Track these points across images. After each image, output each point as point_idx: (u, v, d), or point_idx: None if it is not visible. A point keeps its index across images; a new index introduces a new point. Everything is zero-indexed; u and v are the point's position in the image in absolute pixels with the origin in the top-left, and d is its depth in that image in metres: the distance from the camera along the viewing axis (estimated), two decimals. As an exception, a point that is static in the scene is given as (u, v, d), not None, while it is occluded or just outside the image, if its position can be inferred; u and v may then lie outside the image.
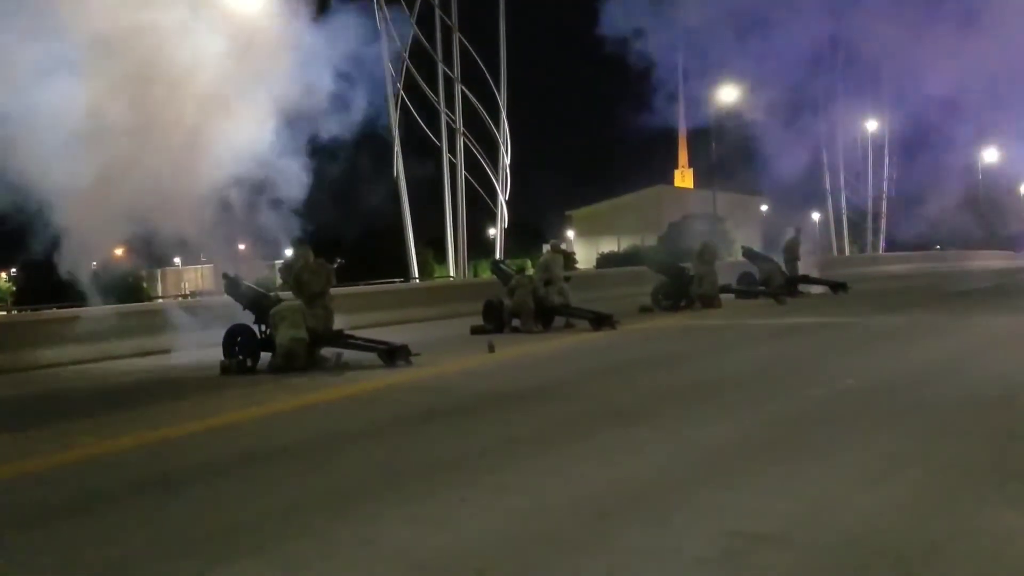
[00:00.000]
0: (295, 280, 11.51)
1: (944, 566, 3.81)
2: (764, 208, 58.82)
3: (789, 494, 4.80)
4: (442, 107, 31.00)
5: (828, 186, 47.62)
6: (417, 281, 31.20)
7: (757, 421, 6.79)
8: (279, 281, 11.93)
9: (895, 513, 4.44)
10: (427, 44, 31.25)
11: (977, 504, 4.54)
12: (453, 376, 10.33)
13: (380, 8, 28.64)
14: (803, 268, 22.92)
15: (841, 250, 47.26)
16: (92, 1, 12.91)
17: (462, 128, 30.85)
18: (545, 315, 15.10)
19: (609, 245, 45.17)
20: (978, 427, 6.32)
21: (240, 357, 11.18)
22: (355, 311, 15.10)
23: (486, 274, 26.15)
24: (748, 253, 23.06)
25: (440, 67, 31.47)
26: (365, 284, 24.60)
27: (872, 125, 47.73)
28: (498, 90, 31.47)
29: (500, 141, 31.44)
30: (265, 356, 11.26)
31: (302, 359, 10.85)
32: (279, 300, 11.63)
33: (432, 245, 37.63)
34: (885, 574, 3.75)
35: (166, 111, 13.13)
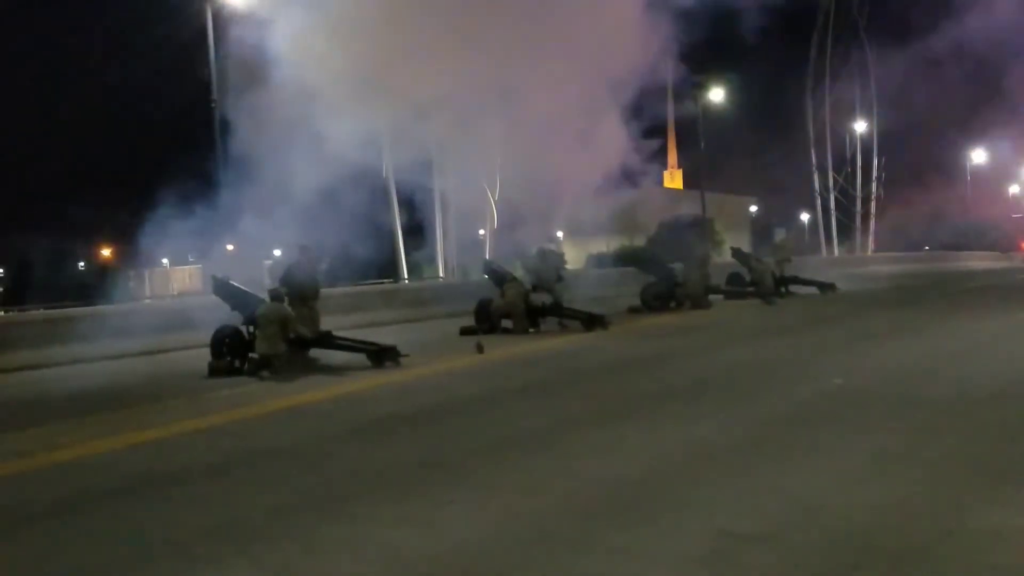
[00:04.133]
0: (287, 278, 11.44)
1: (933, 565, 3.79)
2: (753, 209, 58.95)
3: (778, 493, 4.80)
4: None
5: (817, 187, 47.73)
6: (407, 282, 31.13)
7: (746, 420, 6.79)
8: (268, 281, 11.83)
9: (884, 512, 4.43)
10: None
11: (966, 503, 4.54)
12: (441, 377, 10.30)
13: None
14: (797, 269, 23.00)
15: (830, 251, 47.38)
16: None
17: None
18: (535, 315, 15.08)
19: (598, 246, 45.13)
20: (967, 426, 6.33)
21: (228, 358, 11.11)
22: (343, 312, 15.06)
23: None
24: (737, 254, 23.09)
25: None
26: (353, 284, 24.51)
27: (861, 126, 47.87)
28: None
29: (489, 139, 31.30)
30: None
31: (276, 368, 10.67)
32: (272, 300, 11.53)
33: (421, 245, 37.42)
34: (874, 573, 3.74)
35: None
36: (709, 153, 37.25)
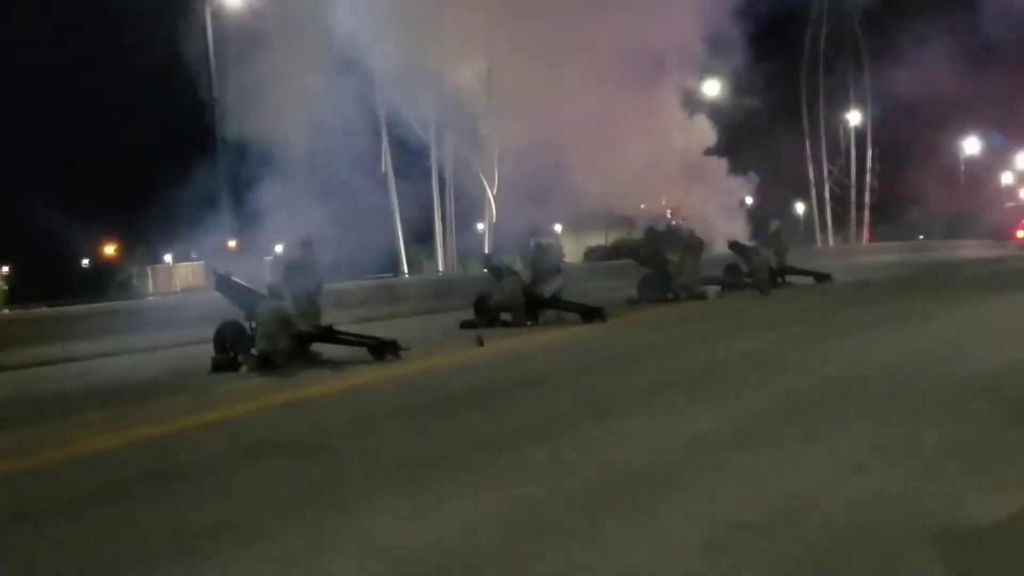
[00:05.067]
0: (289, 273, 11.54)
1: (930, 554, 3.80)
2: (749, 200, 58.75)
3: (775, 483, 4.84)
4: (431, 99, 30.69)
5: (812, 177, 47.69)
6: (407, 276, 31.14)
7: (743, 411, 6.81)
8: (270, 277, 11.91)
9: (881, 501, 4.43)
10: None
11: (965, 490, 4.54)
12: (442, 370, 10.34)
13: None
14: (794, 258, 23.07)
15: (825, 241, 47.39)
16: None
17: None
18: (534, 308, 15.17)
19: (596, 238, 45.18)
20: (963, 414, 6.32)
21: (231, 353, 11.20)
22: (344, 306, 15.15)
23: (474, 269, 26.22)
24: (734, 244, 23.14)
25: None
26: (355, 279, 24.56)
27: (856, 117, 47.85)
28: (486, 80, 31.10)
29: (487, 132, 31.23)
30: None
31: (277, 364, 10.78)
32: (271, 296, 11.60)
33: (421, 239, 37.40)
34: (871, 562, 3.74)
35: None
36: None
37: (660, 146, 18.54)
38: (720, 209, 20.97)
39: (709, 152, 22.50)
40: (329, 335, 11.50)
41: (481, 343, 12.02)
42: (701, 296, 18.75)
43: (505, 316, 14.92)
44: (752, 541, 4.01)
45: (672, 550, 3.98)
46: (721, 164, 22.00)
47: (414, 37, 14.78)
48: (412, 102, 28.22)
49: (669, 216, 19.85)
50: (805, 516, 4.31)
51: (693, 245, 19.32)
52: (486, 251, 16.75)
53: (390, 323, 14.99)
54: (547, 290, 15.35)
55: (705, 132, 22.37)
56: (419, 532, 4.37)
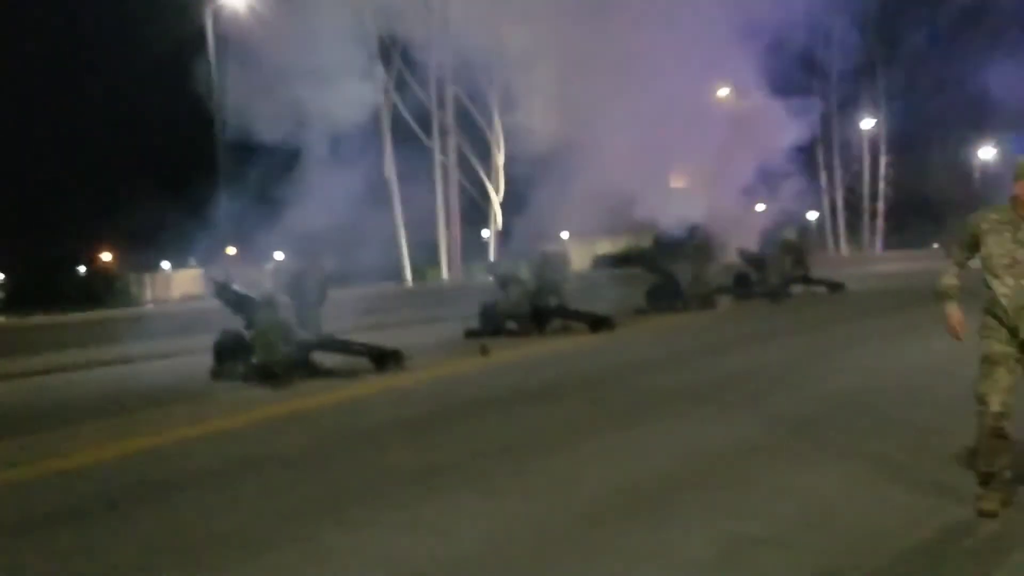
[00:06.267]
0: (291, 285, 11.34)
1: (943, 566, 3.75)
2: (759, 208, 58.52)
3: (787, 496, 4.77)
4: (434, 104, 30.54)
5: (824, 184, 47.42)
6: (410, 284, 30.96)
7: (755, 423, 6.71)
8: (269, 284, 11.70)
9: (893, 514, 4.39)
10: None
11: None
12: (446, 380, 10.22)
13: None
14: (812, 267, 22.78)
15: (837, 250, 47.05)
16: None
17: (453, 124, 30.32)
18: (540, 317, 14.97)
19: (605, 246, 44.91)
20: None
21: (231, 363, 10.98)
22: (347, 314, 14.95)
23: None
24: (744, 253, 22.87)
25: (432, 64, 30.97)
26: (358, 286, 24.39)
27: (869, 123, 47.49)
28: (491, 86, 30.89)
29: (492, 139, 31.07)
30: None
31: (277, 374, 10.54)
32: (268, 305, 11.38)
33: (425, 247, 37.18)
34: (885, 575, 3.69)
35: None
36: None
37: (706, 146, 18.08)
38: (748, 214, 20.61)
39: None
40: (330, 344, 11.33)
41: (486, 352, 11.83)
42: (711, 305, 18.52)
43: (511, 325, 14.72)
44: (766, 555, 3.96)
45: (683, 563, 3.92)
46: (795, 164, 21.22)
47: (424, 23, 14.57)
48: (416, 100, 27.99)
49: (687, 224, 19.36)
50: (817, 529, 4.26)
51: (703, 253, 19.08)
52: (491, 258, 16.60)
53: (393, 332, 14.81)
54: (553, 299, 15.14)
55: (781, 127, 21.45)
56: (421, 546, 4.32)
